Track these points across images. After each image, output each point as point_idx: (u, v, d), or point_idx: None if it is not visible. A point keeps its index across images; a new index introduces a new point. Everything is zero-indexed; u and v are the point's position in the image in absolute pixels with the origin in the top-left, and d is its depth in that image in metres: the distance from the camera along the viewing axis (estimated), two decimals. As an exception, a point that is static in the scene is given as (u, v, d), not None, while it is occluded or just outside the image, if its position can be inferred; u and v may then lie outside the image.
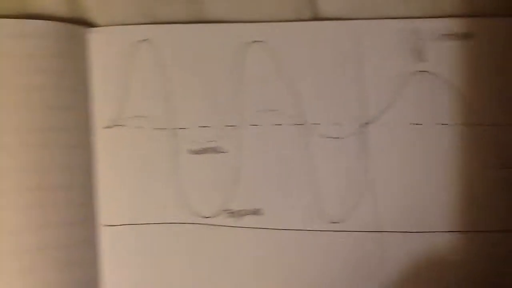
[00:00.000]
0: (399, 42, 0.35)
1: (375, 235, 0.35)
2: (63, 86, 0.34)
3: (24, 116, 0.34)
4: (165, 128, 0.35)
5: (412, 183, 0.35)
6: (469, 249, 0.35)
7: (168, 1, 0.36)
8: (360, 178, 0.35)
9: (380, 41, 0.35)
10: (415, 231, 0.35)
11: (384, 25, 0.35)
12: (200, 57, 0.35)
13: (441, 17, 0.35)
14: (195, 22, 0.36)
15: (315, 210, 0.35)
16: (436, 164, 0.35)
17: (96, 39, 0.35)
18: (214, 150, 0.35)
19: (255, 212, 0.35)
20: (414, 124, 0.35)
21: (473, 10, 0.35)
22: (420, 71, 0.35)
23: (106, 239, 0.36)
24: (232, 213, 0.36)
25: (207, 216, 0.36)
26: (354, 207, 0.35)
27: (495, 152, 0.34)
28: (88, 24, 0.36)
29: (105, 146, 0.35)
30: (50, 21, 0.34)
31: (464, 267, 0.35)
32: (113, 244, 0.36)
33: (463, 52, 0.34)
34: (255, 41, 0.35)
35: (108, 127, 0.36)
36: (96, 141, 0.35)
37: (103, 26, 0.36)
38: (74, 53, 0.35)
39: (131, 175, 0.36)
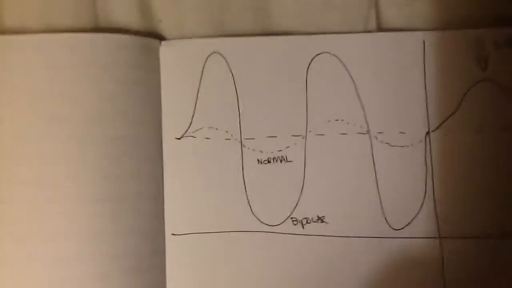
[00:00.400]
0: (461, 52, 0.36)
1: (435, 242, 0.36)
2: (136, 98, 0.35)
3: (98, 126, 0.34)
4: (234, 139, 0.36)
5: (473, 191, 0.36)
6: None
7: (237, 13, 0.37)
8: (421, 187, 0.36)
9: (442, 50, 0.36)
10: (474, 236, 0.36)
11: (446, 35, 0.36)
12: (268, 69, 0.36)
13: (504, 25, 0.36)
14: (262, 35, 0.37)
15: (377, 217, 0.36)
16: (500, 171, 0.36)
17: (167, 52, 0.37)
18: (281, 160, 0.36)
19: (319, 219, 0.36)
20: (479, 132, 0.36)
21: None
22: (482, 80, 0.36)
23: (173, 247, 0.36)
24: (297, 221, 0.36)
25: (272, 224, 0.36)
26: (415, 214, 0.36)
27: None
28: (159, 37, 0.37)
29: (175, 157, 0.36)
30: (124, 35, 0.35)
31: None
32: (180, 253, 0.36)
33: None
34: (322, 52, 0.36)
35: (178, 138, 0.36)
36: (166, 152, 0.36)
37: (173, 39, 0.37)
38: (146, 65, 0.36)
39: (199, 185, 0.36)
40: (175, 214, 0.36)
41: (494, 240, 0.36)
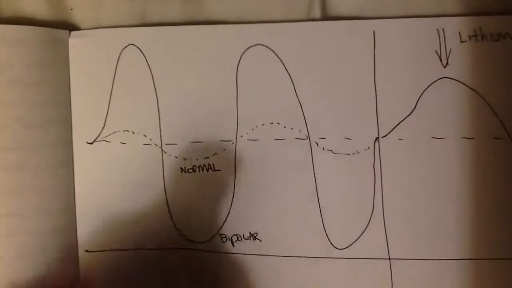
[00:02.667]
0: (418, 44, 0.31)
1: (384, 263, 0.31)
2: (40, 99, 0.31)
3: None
4: (153, 144, 0.32)
5: (424, 208, 0.31)
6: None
7: (161, 1, 0.32)
8: (368, 200, 0.31)
9: (395, 43, 0.31)
10: (425, 258, 0.31)
11: (401, 25, 0.31)
12: (192, 63, 0.32)
13: (468, 15, 0.31)
14: (191, 24, 0.32)
15: (318, 234, 0.31)
16: (455, 183, 0.31)
17: (77, 44, 0.32)
18: (207, 168, 0.32)
19: (251, 236, 0.32)
20: (436, 138, 0.31)
21: (505, 8, 0.31)
22: (442, 77, 0.31)
23: (88, 266, 0.32)
24: (226, 238, 0.32)
25: (198, 241, 0.32)
26: (361, 232, 0.31)
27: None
28: (71, 27, 0.32)
29: (87, 164, 0.32)
30: (28, 26, 0.31)
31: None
32: (95, 271, 0.32)
33: (494, 56, 0.30)
34: (254, 44, 0.31)
35: (90, 143, 0.32)
36: (77, 158, 0.32)
37: (86, 29, 0.32)
38: (52, 61, 0.31)
39: (115, 196, 0.32)
40: (89, 229, 0.33)
41: (451, 262, 0.31)
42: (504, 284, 0.31)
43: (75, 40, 0.32)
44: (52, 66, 0.31)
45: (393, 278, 0.31)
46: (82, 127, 0.32)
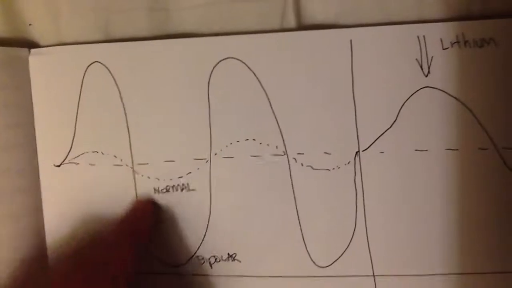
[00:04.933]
0: (397, 53, 0.29)
1: (368, 280, 0.30)
2: (4, 122, 0.29)
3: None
4: (124, 165, 0.30)
5: (408, 222, 0.30)
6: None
7: (128, 13, 0.30)
8: (350, 216, 0.30)
9: (374, 52, 0.29)
10: (410, 274, 0.30)
11: (379, 32, 0.29)
12: (162, 79, 0.30)
13: (450, 20, 0.29)
14: (158, 37, 0.30)
15: (299, 252, 0.30)
16: (440, 197, 0.29)
17: (38, 62, 0.30)
18: (182, 188, 0.31)
19: (230, 257, 0.31)
20: (419, 150, 0.29)
21: (489, 11, 0.29)
22: (424, 87, 0.29)
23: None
24: (204, 260, 0.31)
25: (175, 264, 0.31)
26: (344, 249, 0.30)
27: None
28: (30, 44, 0.31)
29: (54, 187, 0.31)
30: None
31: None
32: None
33: (478, 63, 0.29)
34: (226, 57, 0.30)
35: (57, 165, 0.31)
36: (44, 182, 0.31)
37: (47, 46, 0.30)
38: (10, 81, 0.30)
39: (86, 220, 0.31)
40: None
41: (435, 277, 0.30)
42: (490, 300, 0.30)
43: (35, 58, 0.30)
44: (13, 87, 0.30)
45: (377, 295, 0.30)
46: (48, 149, 0.31)
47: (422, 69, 0.29)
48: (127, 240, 0.27)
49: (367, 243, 0.30)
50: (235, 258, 0.31)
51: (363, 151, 0.30)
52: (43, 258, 0.31)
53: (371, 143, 0.30)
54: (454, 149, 0.29)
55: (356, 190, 0.30)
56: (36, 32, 0.31)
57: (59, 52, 0.30)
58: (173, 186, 0.31)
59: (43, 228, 0.31)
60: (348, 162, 0.30)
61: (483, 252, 0.29)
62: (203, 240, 0.31)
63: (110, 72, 0.30)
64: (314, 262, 0.30)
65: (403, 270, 0.30)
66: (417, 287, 0.30)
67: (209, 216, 0.31)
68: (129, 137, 0.30)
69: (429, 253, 0.30)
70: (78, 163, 0.31)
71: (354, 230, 0.30)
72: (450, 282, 0.30)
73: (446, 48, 0.29)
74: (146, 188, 0.31)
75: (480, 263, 0.29)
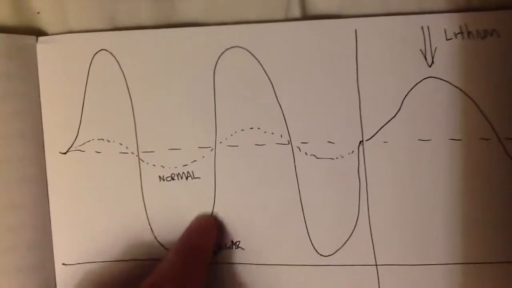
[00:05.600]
0: (402, 43, 0.29)
1: (370, 269, 0.30)
2: (9, 109, 0.29)
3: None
4: (130, 152, 0.31)
5: (411, 212, 0.30)
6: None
7: (133, 2, 0.30)
8: (353, 205, 0.30)
9: (378, 42, 0.29)
10: (413, 263, 0.30)
11: (384, 23, 0.29)
12: (168, 68, 0.30)
13: (453, 11, 0.29)
14: (164, 26, 0.31)
15: (302, 241, 0.30)
16: (443, 186, 0.30)
17: (46, 50, 0.31)
18: (187, 176, 0.31)
19: (234, 245, 0.31)
20: (422, 140, 0.29)
21: (490, 2, 0.29)
22: (428, 77, 0.29)
23: (65, 279, 0.31)
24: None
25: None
26: (346, 238, 0.30)
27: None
28: (38, 32, 0.31)
29: (60, 175, 0.31)
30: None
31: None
32: (73, 285, 0.31)
33: (481, 54, 0.29)
34: (231, 46, 0.30)
35: (63, 152, 0.31)
36: (50, 169, 0.31)
37: (55, 34, 0.31)
38: (18, 69, 0.30)
39: (91, 207, 0.31)
40: (65, 242, 0.32)
41: (437, 267, 0.30)
42: (493, 289, 0.30)
43: (43, 46, 0.31)
44: (20, 75, 0.30)
45: (380, 285, 0.30)
46: (55, 137, 0.31)
47: (426, 59, 0.29)
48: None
49: (369, 232, 0.30)
50: (239, 245, 0.31)
51: (366, 140, 0.30)
52: (48, 245, 0.31)
53: (374, 132, 0.30)
54: (457, 139, 0.29)
55: (359, 179, 0.30)
56: (44, 21, 0.31)
57: (66, 40, 0.31)
58: (178, 174, 0.31)
59: (49, 217, 0.31)
60: (352, 152, 0.30)
61: (485, 242, 0.29)
62: (208, 224, 0.31)
63: (116, 60, 0.30)
64: (316, 251, 0.31)
65: (405, 260, 0.30)
66: (419, 277, 0.30)
67: (214, 204, 0.31)
68: (135, 125, 0.31)
69: (431, 242, 0.30)
70: (84, 151, 0.31)
71: (357, 219, 0.30)
72: (453, 272, 0.30)
73: (449, 39, 0.29)
74: (151, 176, 0.31)
75: (482, 253, 0.30)
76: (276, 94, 0.30)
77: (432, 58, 0.29)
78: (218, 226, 0.30)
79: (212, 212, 0.31)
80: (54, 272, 0.31)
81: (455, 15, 0.29)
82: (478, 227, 0.29)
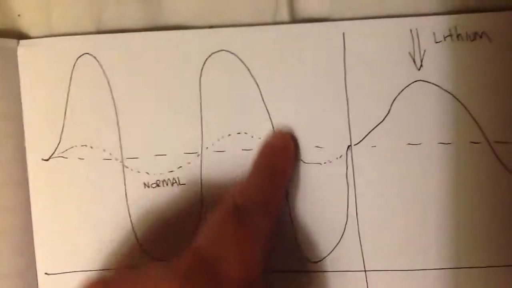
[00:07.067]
0: (390, 46, 0.29)
1: (359, 275, 0.30)
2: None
3: None
4: (114, 159, 0.30)
5: (400, 217, 0.29)
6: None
7: (119, 4, 0.30)
8: (342, 210, 0.30)
9: (366, 45, 0.29)
10: (402, 269, 0.30)
11: (372, 26, 0.29)
12: (153, 72, 0.30)
13: (443, 13, 0.29)
14: (150, 29, 0.30)
15: (291, 247, 0.30)
16: (432, 191, 0.29)
17: (27, 54, 0.30)
18: (172, 183, 0.30)
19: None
20: (411, 144, 0.29)
21: (483, 4, 0.29)
22: (416, 80, 0.29)
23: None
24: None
25: (166, 259, 0.30)
26: (335, 244, 0.30)
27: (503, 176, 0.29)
28: (19, 35, 0.30)
29: (43, 182, 0.30)
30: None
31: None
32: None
33: (470, 57, 0.29)
34: (218, 50, 0.30)
35: (45, 159, 0.30)
36: (32, 176, 0.30)
37: (36, 37, 0.30)
38: (3, 73, 0.29)
39: (74, 215, 0.30)
40: (48, 251, 0.31)
41: (426, 272, 0.29)
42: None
43: (24, 50, 0.30)
44: (0, 78, 0.29)
45: (369, 291, 0.30)
46: (36, 143, 0.30)
47: (414, 62, 0.29)
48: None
49: (358, 238, 0.30)
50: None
51: (355, 145, 0.30)
52: (30, 253, 0.30)
53: (363, 137, 0.29)
54: (446, 143, 0.29)
55: (348, 184, 0.30)
56: (26, 23, 0.30)
57: (49, 44, 0.30)
58: (163, 181, 0.30)
59: (31, 223, 0.30)
60: (340, 156, 0.30)
61: (476, 246, 0.29)
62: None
63: (100, 64, 0.30)
64: (305, 257, 0.30)
65: (394, 265, 0.30)
66: (408, 283, 0.30)
67: (200, 211, 0.30)
68: (119, 131, 0.30)
69: (421, 247, 0.29)
70: (67, 157, 0.30)
71: (346, 224, 0.30)
72: (443, 277, 0.29)
73: (438, 42, 0.29)
74: (136, 183, 0.30)
75: (473, 258, 0.29)
76: (263, 98, 0.30)
77: (421, 61, 0.29)
78: (296, 144, 0.29)
79: (199, 218, 0.30)
80: (37, 282, 0.31)
81: (444, 17, 0.29)
82: (468, 231, 0.29)
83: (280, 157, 0.29)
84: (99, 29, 0.30)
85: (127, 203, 0.30)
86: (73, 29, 0.30)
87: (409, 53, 0.29)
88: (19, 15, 0.30)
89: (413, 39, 0.29)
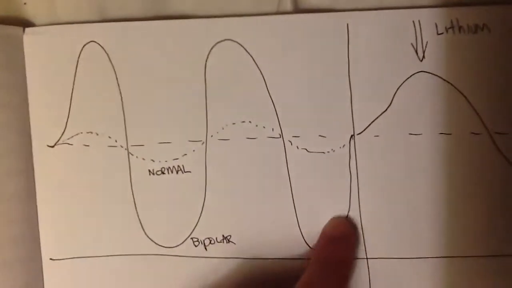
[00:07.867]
0: (393, 37, 0.29)
1: (361, 262, 0.30)
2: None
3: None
4: (119, 146, 0.30)
5: (401, 206, 0.30)
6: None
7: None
8: (344, 199, 0.30)
9: (370, 36, 0.29)
10: (403, 257, 0.30)
11: (375, 17, 0.29)
12: (158, 60, 0.30)
13: (445, 5, 0.29)
14: (154, 18, 0.30)
15: (293, 235, 0.30)
16: (433, 180, 0.30)
17: (33, 41, 0.30)
18: (177, 170, 0.30)
19: (225, 239, 0.31)
20: (413, 134, 0.29)
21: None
22: (419, 71, 0.29)
23: (52, 274, 0.31)
24: (198, 242, 0.31)
25: (170, 246, 0.31)
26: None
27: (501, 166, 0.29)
28: (25, 23, 0.30)
29: (48, 168, 0.30)
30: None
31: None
32: (60, 280, 0.31)
33: (472, 49, 0.29)
34: (223, 39, 0.30)
35: (51, 146, 0.30)
36: (37, 163, 0.30)
37: (42, 25, 0.30)
38: (9, 61, 0.29)
39: (79, 201, 0.31)
40: (52, 236, 0.31)
41: (428, 260, 0.30)
42: (482, 282, 0.30)
43: (30, 38, 0.30)
44: (6, 66, 0.29)
45: (370, 278, 0.30)
46: (42, 130, 0.30)
47: (417, 53, 0.29)
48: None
49: (360, 226, 0.30)
50: (230, 240, 0.31)
51: (358, 134, 0.30)
52: (35, 239, 0.31)
53: (366, 126, 0.30)
54: (447, 134, 0.29)
55: (350, 173, 0.30)
56: (31, 11, 0.30)
57: (54, 32, 0.30)
58: (168, 168, 0.31)
59: (36, 209, 0.31)
60: (343, 146, 0.30)
61: (477, 235, 0.30)
62: (197, 222, 0.31)
63: (105, 52, 0.30)
64: (308, 245, 0.31)
65: (396, 253, 0.30)
66: (410, 270, 0.30)
67: (204, 198, 0.31)
68: (124, 118, 0.30)
69: (422, 236, 0.30)
70: (72, 144, 0.30)
71: (348, 213, 0.30)
72: (444, 265, 0.30)
73: (440, 34, 0.29)
74: (140, 170, 0.30)
75: (474, 247, 0.30)
76: (268, 87, 0.30)
77: (423, 52, 0.29)
78: (356, 232, 0.30)
79: (203, 205, 0.30)
80: (42, 267, 0.31)
81: (446, 9, 0.29)
82: (469, 220, 0.30)
83: (342, 247, 0.29)
84: (104, 17, 0.30)
85: (132, 190, 0.31)
86: (78, 18, 0.30)
87: (412, 44, 0.29)
88: (25, 3, 0.30)
89: (415, 30, 0.29)
